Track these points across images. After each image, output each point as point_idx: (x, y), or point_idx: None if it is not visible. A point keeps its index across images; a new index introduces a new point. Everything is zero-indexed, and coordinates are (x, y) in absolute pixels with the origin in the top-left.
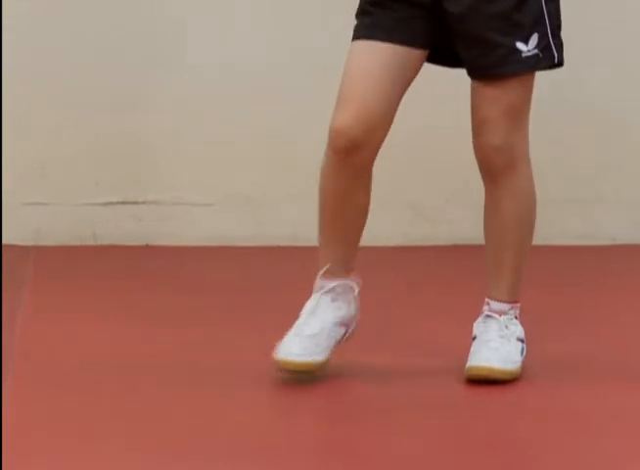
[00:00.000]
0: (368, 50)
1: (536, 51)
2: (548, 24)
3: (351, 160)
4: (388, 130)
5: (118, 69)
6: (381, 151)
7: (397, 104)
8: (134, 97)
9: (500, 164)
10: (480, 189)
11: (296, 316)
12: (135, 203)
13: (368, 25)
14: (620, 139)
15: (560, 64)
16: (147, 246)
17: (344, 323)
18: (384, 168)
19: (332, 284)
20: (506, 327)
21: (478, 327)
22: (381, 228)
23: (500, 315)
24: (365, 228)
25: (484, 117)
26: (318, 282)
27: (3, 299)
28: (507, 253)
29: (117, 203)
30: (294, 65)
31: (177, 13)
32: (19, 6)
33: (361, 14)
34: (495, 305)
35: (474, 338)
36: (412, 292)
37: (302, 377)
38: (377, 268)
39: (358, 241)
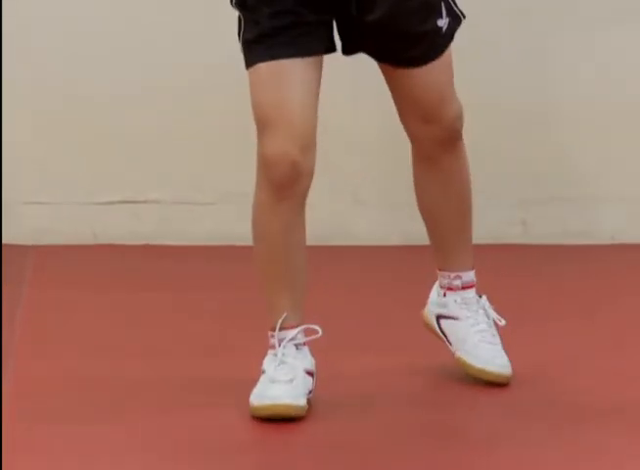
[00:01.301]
0: (279, 69)
1: (448, 19)
2: None
3: (292, 189)
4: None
5: (119, 68)
6: (380, 150)
7: (317, 113)
8: (134, 95)
9: (458, 133)
10: (480, 188)
11: None
12: (135, 202)
13: (271, 46)
14: (620, 137)
15: (463, 16)
16: (146, 245)
17: (311, 372)
18: (383, 167)
19: (294, 332)
20: (485, 312)
21: (459, 308)
22: (380, 227)
23: (471, 288)
24: (364, 227)
25: (436, 100)
26: (277, 335)
27: (3, 298)
28: (466, 220)
29: (117, 202)
30: None
31: (180, 12)
32: (19, 6)
33: (260, 37)
34: (466, 275)
35: (455, 318)
36: (411, 291)
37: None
38: (376, 268)
39: (305, 281)
